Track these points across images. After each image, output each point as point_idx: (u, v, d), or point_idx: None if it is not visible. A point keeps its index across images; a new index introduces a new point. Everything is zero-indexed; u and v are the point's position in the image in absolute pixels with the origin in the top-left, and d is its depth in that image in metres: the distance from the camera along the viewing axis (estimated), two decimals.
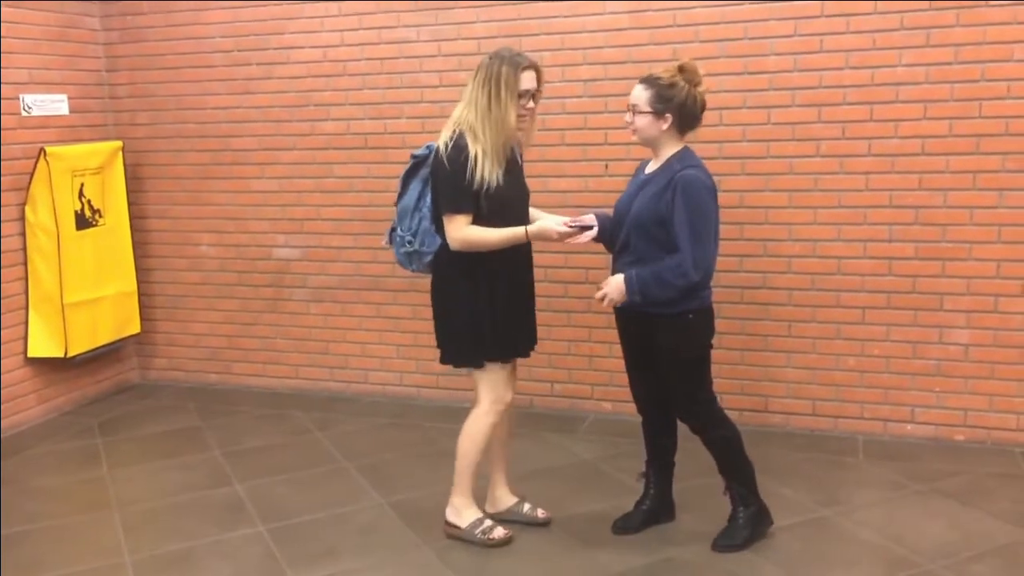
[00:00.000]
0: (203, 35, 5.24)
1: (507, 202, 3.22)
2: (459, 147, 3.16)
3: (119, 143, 5.29)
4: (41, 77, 4.98)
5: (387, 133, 4.95)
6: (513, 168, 3.30)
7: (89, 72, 5.35)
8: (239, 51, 5.19)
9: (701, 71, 3.18)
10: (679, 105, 3.13)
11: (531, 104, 3.23)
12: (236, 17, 5.16)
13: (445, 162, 3.17)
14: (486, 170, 3.15)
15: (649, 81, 3.16)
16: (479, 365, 3.34)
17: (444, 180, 3.20)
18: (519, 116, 3.19)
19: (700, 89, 3.16)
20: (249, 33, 5.15)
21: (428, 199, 3.30)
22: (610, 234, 3.29)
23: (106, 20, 5.40)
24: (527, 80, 3.19)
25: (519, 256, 3.35)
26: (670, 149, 3.20)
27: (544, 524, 3.62)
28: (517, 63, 3.17)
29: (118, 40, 5.41)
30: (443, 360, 3.43)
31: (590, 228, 3.19)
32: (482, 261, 3.25)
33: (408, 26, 4.85)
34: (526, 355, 3.51)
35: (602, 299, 3.20)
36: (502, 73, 3.15)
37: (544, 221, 3.24)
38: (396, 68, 4.91)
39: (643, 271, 3.11)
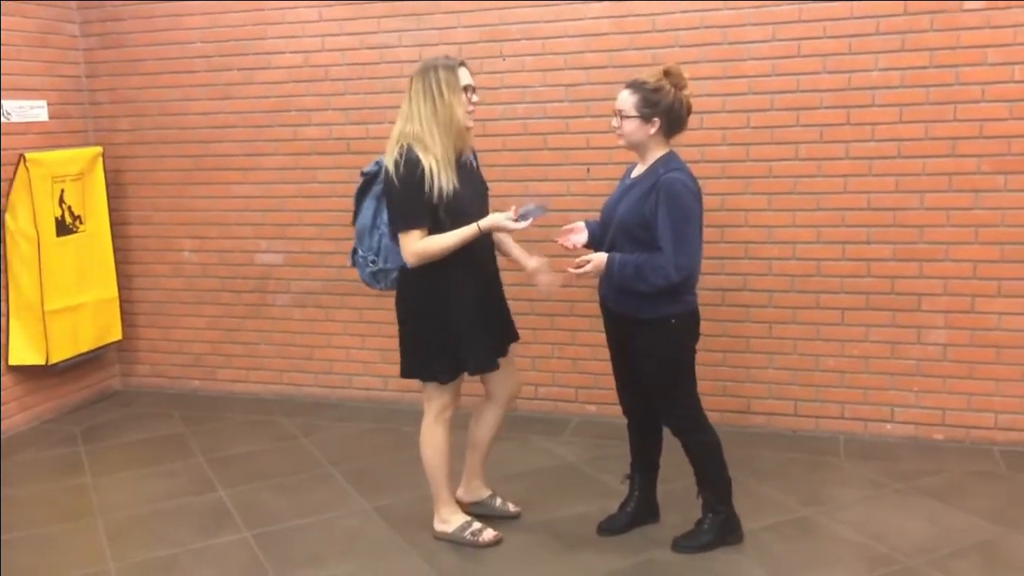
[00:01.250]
0: (184, 40, 5.23)
1: (465, 207, 3.21)
2: (412, 162, 3.14)
3: (99, 149, 5.27)
4: (20, 83, 4.95)
5: (369, 138, 4.96)
6: (467, 175, 3.29)
7: (69, 78, 5.32)
8: (220, 56, 5.18)
9: (686, 75, 3.20)
10: (666, 109, 3.15)
11: (475, 98, 3.25)
12: (216, 23, 5.15)
13: (396, 180, 3.14)
14: (443, 180, 3.14)
15: (635, 86, 3.17)
16: (443, 380, 3.34)
17: (397, 197, 3.17)
18: (467, 112, 3.21)
19: (685, 93, 3.18)
20: (230, 38, 5.15)
21: (384, 216, 3.29)
22: (599, 238, 3.32)
23: (86, 26, 5.38)
24: (465, 76, 3.22)
25: (482, 264, 3.33)
26: (656, 153, 3.23)
27: (515, 517, 3.67)
28: (450, 64, 3.20)
29: (98, 46, 5.39)
30: (403, 374, 3.42)
31: (537, 208, 3.18)
32: (444, 273, 3.23)
33: (389, 32, 4.86)
34: (497, 360, 3.43)
35: (579, 268, 3.14)
36: (440, 76, 3.16)
37: (493, 214, 3.21)
38: (378, 73, 4.92)
39: (626, 257, 3.11)
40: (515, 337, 3.54)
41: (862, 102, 4.24)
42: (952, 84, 4.13)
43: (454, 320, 3.28)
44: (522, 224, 3.16)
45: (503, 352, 3.46)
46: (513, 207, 3.20)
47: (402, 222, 3.18)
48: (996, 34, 4.04)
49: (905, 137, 4.22)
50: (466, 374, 3.40)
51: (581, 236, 3.33)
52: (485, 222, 3.18)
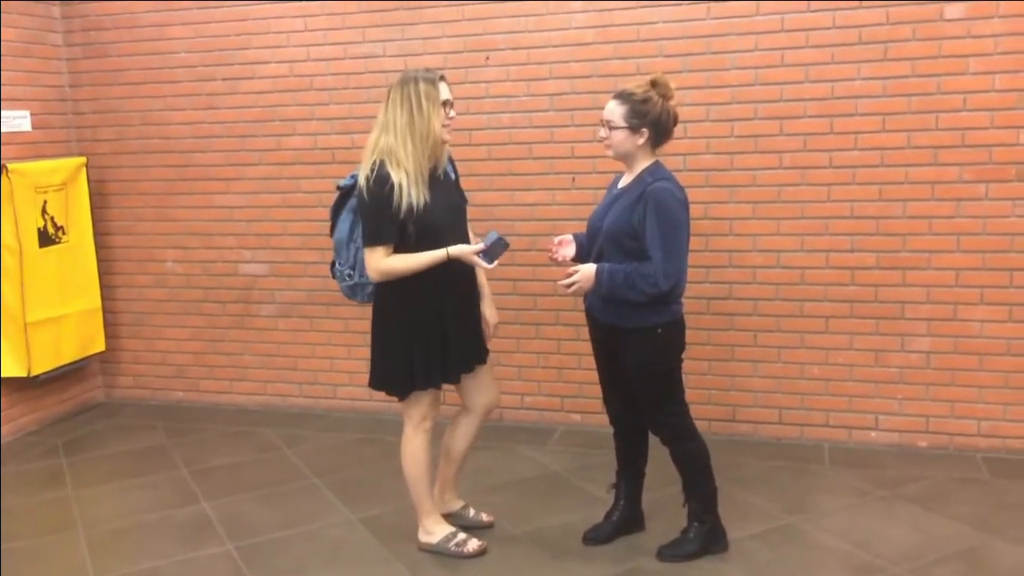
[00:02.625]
0: (167, 50, 5.22)
1: (436, 224, 3.19)
2: (382, 178, 3.13)
3: (83, 159, 5.24)
4: (3, 93, 4.92)
5: (354, 148, 4.94)
6: (441, 187, 3.28)
7: (52, 88, 5.30)
8: (204, 66, 5.17)
9: (672, 85, 3.22)
10: (654, 120, 3.15)
11: (453, 114, 3.25)
12: (200, 32, 5.14)
13: (365, 195, 3.15)
14: (412, 196, 3.13)
15: (623, 96, 3.17)
16: (404, 394, 3.34)
17: (365, 213, 3.18)
18: (443, 126, 3.20)
19: (672, 103, 3.19)
20: (214, 48, 5.13)
21: (360, 230, 3.27)
22: (587, 250, 3.32)
23: (69, 36, 5.36)
24: (444, 90, 3.22)
25: (455, 279, 3.30)
26: (643, 163, 3.23)
27: (489, 526, 3.66)
28: (431, 77, 3.19)
29: (81, 55, 5.37)
30: (371, 384, 3.42)
31: (498, 242, 3.19)
32: (416, 288, 3.22)
33: (374, 41, 4.86)
34: (461, 376, 3.43)
35: (569, 285, 3.15)
36: (420, 89, 3.15)
37: (462, 245, 3.21)
38: (363, 83, 4.91)
39: (615, 267, 3.11)
40: (483, 358, 3.49)
41: (845, 111, 4.27)
42: (934, 93, 4.16)
43: (417, 335, 3.26)
44: (486, 263, 3.17)
45: (466, 369, 3.42)
46: (477, 239, 3.24)
47: (369, 238, 3.19)
48: (977, 43, 4.07)
49: (888, 146, 4.24)
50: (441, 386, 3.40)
51: (569, 249, 3.33)
52: (454, 250, 3.18)
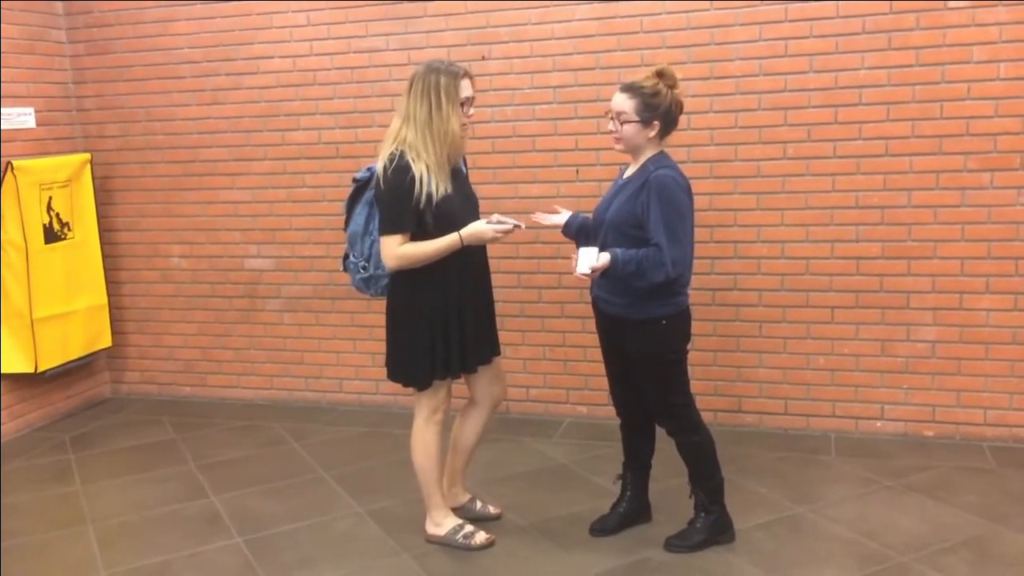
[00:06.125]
0: (171, 46, 5.22)
1: (454, 215, 3.20)
2: (402, 168, 3.13)
3: (87, 156, 5.25)
4: (7, 90, 4.93)
5: (358, 142, 4.96)
6: (457, 179, 3.29)
7: (56, 85, 5.30)
8: (208, 61, 5.17)
9: (678, 74, 3.21)
10: (665, 112, 3.16)
11: (471, 112, 3.24)
12: (204, 28, 5.14)
13: (383, 183, 3.15)
14: (432, 185, 3.14)
15: (633, 89, 3.16)
16: (426, 386, 3.35)
17: (384, 200, 3.17)
18: (462, 124, 3.20)
19: (677, 92, 3.19)
20: (218, 43, 5.14)
21: (376, 222, 3.27)
22: (592, 236, 3.32)
23: (72, 32, 5.36)
24: (466, 88, 3.20)
25: (472, 270, 3.32)
26: (649, 153, 3.23)
27: (496, 518, 3.67)
28: (454, 72, 3.17)
29: (85, 52, 5.37)
30: (391, 377, 3.44)
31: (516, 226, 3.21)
32: (433, 279, 3.23)
33: (377, 35, 4.86)
34: (478, 367, 3.44)
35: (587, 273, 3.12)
36: (441, 83, 3.14)
37: (475, 223, 3.22)
38: (366, 77, 4.92)
39: (628, 254, 3.09)
40: (498, 350, 3.52)
41: (849, 101, 4.26)
42: (938, 82, 4.15)
43: (436, 324, 3.27)
44: (507, 225, 3.16)
45: (483, 360, 3.44)
46: (493, 216, 3.23)
47: (386, 225, 3.19)
48: (981, 32, 4.06)
49: (892, 135, 4.24)
50: (460, 376, 3.41)
51: (558, 217, 3.41)
52: (467, 232, 3.18)
